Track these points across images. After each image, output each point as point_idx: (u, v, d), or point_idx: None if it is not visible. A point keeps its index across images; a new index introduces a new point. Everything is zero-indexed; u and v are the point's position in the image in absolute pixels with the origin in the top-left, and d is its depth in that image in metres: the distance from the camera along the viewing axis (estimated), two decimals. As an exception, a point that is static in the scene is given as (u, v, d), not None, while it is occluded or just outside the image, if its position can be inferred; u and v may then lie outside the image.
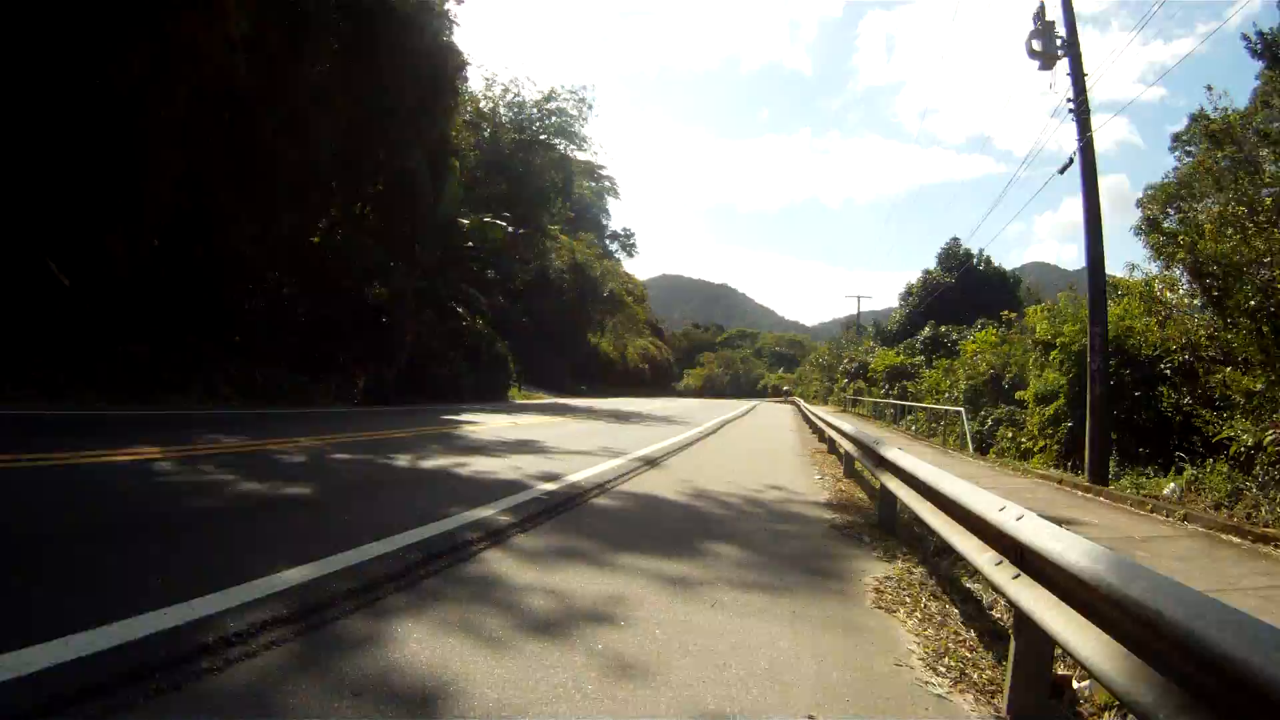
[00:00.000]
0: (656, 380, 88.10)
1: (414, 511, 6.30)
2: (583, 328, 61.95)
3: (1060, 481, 13.71)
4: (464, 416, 19.88)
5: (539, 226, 43.83)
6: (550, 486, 8.38)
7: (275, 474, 7.98)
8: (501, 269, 37.95)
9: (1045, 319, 19.23)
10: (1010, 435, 20.77)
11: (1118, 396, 15.55)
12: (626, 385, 68.10)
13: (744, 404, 59.89)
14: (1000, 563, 3.72)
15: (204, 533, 5.30)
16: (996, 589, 3.73)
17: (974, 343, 30.31)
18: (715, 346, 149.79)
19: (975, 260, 57.48)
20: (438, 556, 5.01)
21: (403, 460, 10.01)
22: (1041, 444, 18.41)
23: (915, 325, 53.82)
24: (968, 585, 5.77)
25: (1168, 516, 9.99)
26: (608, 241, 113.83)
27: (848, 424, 13.62)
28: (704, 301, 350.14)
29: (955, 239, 61.65)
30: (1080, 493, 12.56)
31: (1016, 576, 3.46)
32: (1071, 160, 14.71)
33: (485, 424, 18.00)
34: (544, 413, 25.30)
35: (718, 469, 12.09)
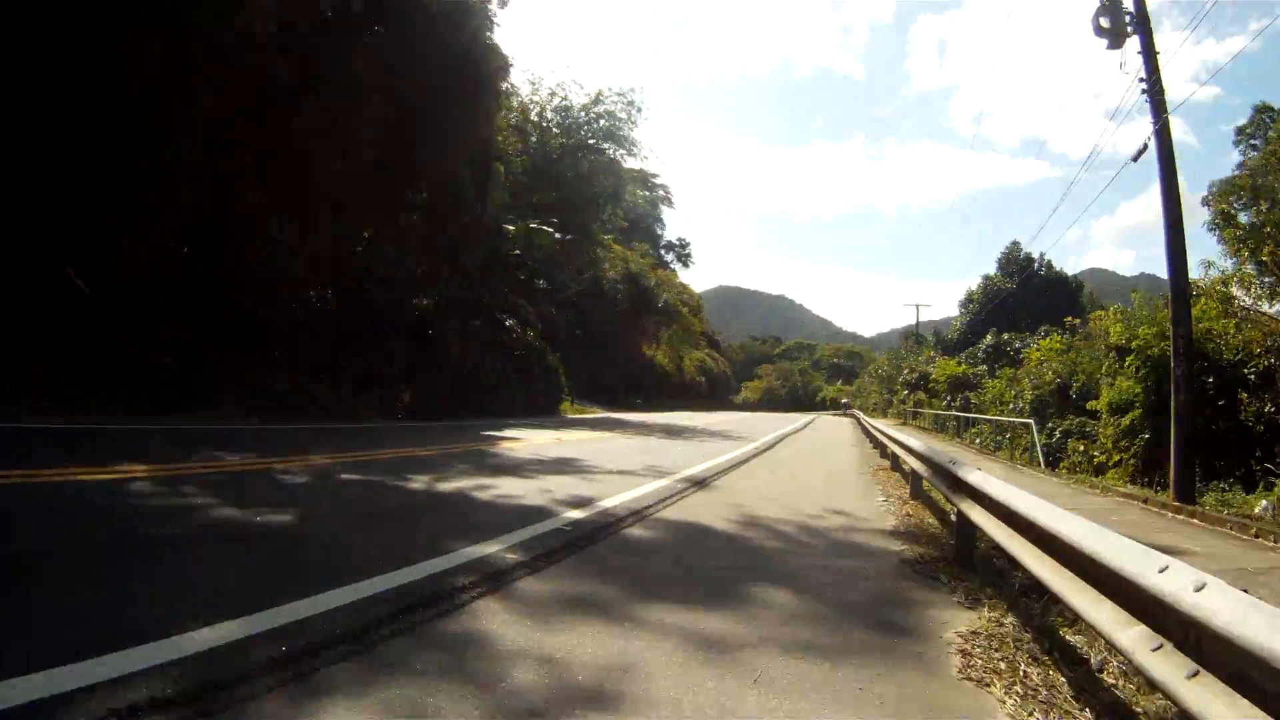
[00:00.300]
0: (714, 393, 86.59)
1: (406, 546, 5.38)
2: (637, 340, 60.97)
3: (1145, 501, 12.37)
4: (507, 432, 19.02)
5: (589, 234, 42.95)
6: (577, 515, 7.39)
7: (264, 498, 7.09)
8: (551, 279, 37.19)
9: (1119, 322, 17.74)
10: (1081, 448, 19.30)
11: (1198, 405, 14.21)
12: (683, 398, 66.75)
13: (802, 417, 58.42)
14: (1160, 647, 2.59)
15: (130, 571, 4.42)
16: (1158, 686, 2.58)
17: (1038, 351, 28.76)
18: (773, 359, 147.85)
19: (1036, 265, 55.24)
20: (412, 609, 4.03)
21: (418, 482, 9.11)
22: (1116, 458, 16.97)
23: (976, 333, 51.92)
24: (1070, 639, 4.71)
25: (1276, 542, 8.71)
26: (663, 252, 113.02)
27: (913, 439, 12.44)
28: (761, 313, 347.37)
29: (1015, 242, 59.54)
30: (1169, 514, 11.24)
31: (1193, 675, 2.35)
32: (1145, 146, 13.39)
33: (526, 440, 17.11)
34: (593, 428, 24.38)
35: (772, 490, 11.04)
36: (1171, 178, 12.94)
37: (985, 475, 6.12)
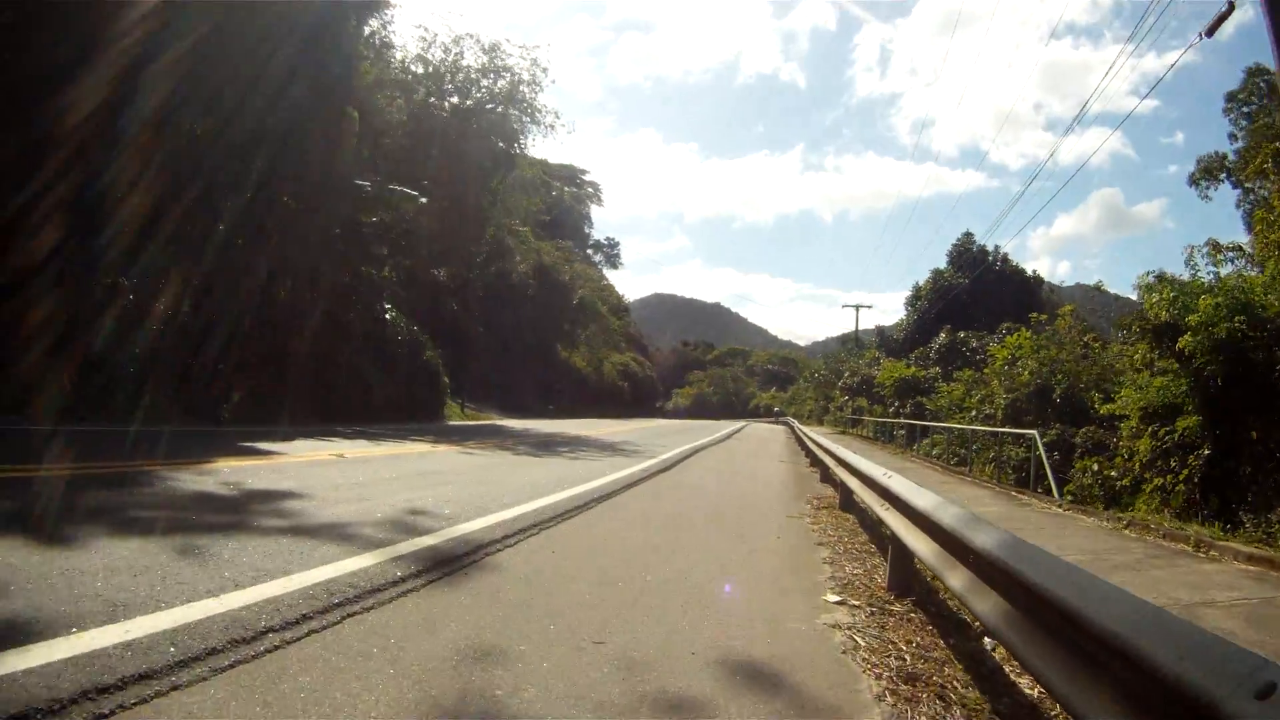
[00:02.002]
0: (639, 399, 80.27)
1: None
2: (551, 340, 54.70)
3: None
4: (281, 446, 13.00)
5: (478, 210, 36.70)
6: None
7: None
8: (418, 252, 30.97)
9: (1164, 292, 12.32)
10: (1095, 468, 14.09)
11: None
12: (603, 405, 60.25)
13: (731, 425, 53.04)
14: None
15: None
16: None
17: (1005, 349, 23.79)
18: (705, 365, 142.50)
19: (992, 259, 50.25)
20: None
21: None
22: (1156, 481, 11.73)
23: (926, 333, 46.79)
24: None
25: None
26: (590, 251, 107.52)
27: (875, 464, 7.10)
28: (696, 321, 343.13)
29: (968, 234, 54.37)
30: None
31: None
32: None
33: (283, 459, 11.25)
34: (446, 440, 18.38)
35: (612, 569, 5.64)
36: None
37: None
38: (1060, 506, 11.76)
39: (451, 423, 30.51)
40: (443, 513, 7.05)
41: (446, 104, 36.23)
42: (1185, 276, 12.51)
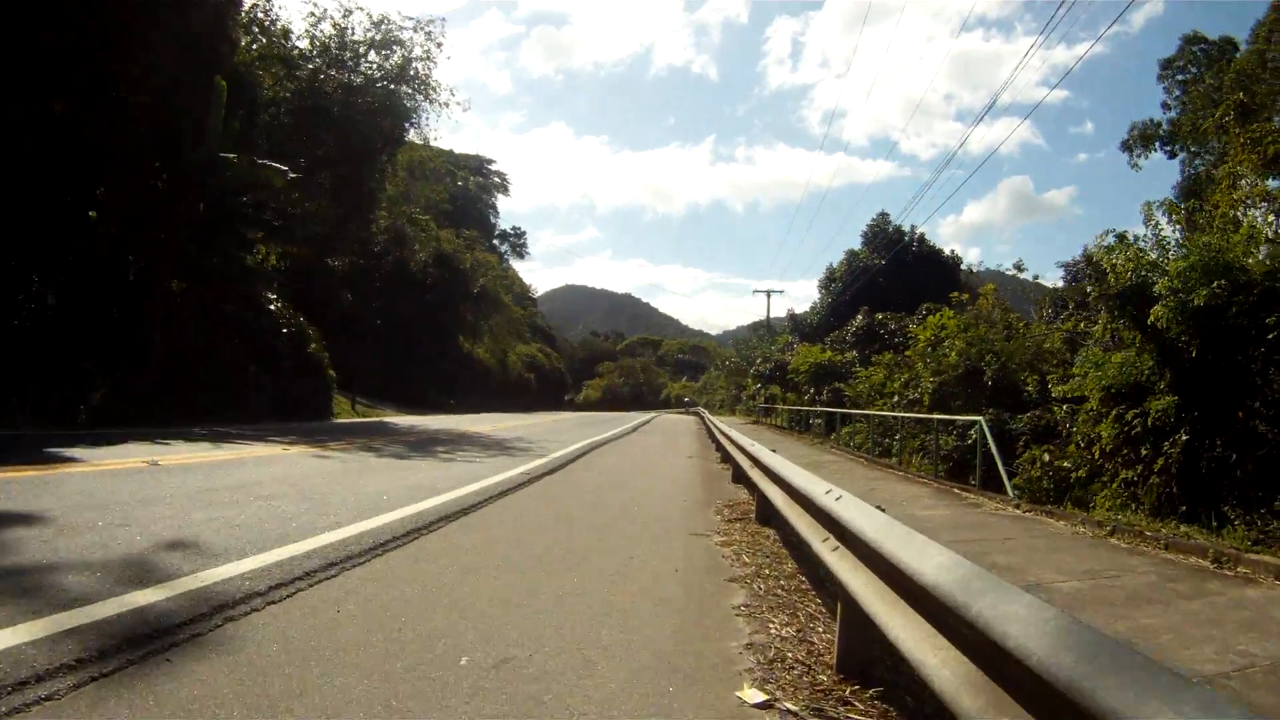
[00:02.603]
0: (546, 392, 77.59)
1: None
2: (453, 332, 51.92)
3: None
4: (89, 452, 10.74)
5: (373, 193, 34.09)
6: None
7: None
8: (298, 235, 28.36)
9: (1127, 252, 10.93)
10: (1045, 458, 12.81)
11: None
12: (508, 398, 57.69)
13: (640, 416, 51.44)
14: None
15: None
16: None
17: (927, 329, 22.66)
18: (616, 356, 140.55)
19: (908, 239, 49.35)
20: None
21: None
22: (1124, 474, 10.46)
23: (841, 316, 45.67)
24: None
25: None
26: (496, 242, 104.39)
27: (806, 473, 5.54)
28: (608, 313, 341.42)
29: (884, 214, 53.40)
30: None
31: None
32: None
33: (68, 469, 9.04)
34: (305, 439, 16.07)
35: (414, 645, 3.75)
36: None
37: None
38: (1018, 507, 10.38)
39: (339, 420, 28.09)
40: (215, 546, 5.19)
41: (334, 81, 33.47)
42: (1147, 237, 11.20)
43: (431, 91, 35.07)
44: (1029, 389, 16.19)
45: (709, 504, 9.58)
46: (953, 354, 19.71)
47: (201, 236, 22.33)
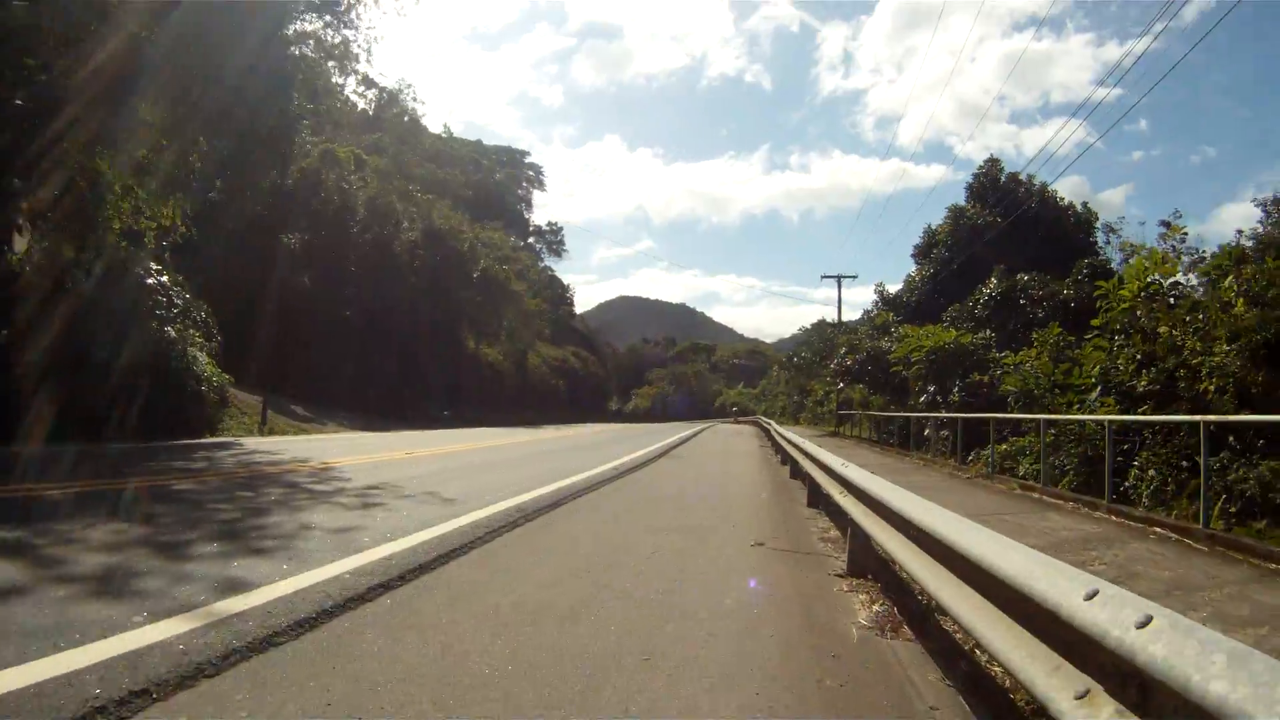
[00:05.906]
0: (581, 401, 66.64)
1: None
2: (449, 325, 41.49)
3: None
4: None
5: (291, 123, 23.31)
6: None
7: None
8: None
9: None
10: None
11: None
12: (527, 407, 46.66)
13: (689, 428, 41.70)
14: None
15: None
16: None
17: (1138, 277, 12.94)
18: (667, 362, 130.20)
19: (1026, 189, 37.63)
20: None
21: None
22: None
23: (947, 294, 34.03)
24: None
25: None
26: (531, 239, 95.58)
27: None
28: (662, 323, 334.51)
29: (993, 159, 41.20)
30: None
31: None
32: None
33: None
34: None
35: None
36: None
37: None
38: None
39: (178, 443, 18.62)
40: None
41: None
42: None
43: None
44: None
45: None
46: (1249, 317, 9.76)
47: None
